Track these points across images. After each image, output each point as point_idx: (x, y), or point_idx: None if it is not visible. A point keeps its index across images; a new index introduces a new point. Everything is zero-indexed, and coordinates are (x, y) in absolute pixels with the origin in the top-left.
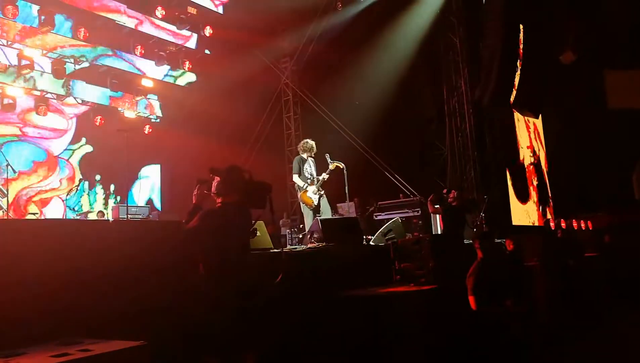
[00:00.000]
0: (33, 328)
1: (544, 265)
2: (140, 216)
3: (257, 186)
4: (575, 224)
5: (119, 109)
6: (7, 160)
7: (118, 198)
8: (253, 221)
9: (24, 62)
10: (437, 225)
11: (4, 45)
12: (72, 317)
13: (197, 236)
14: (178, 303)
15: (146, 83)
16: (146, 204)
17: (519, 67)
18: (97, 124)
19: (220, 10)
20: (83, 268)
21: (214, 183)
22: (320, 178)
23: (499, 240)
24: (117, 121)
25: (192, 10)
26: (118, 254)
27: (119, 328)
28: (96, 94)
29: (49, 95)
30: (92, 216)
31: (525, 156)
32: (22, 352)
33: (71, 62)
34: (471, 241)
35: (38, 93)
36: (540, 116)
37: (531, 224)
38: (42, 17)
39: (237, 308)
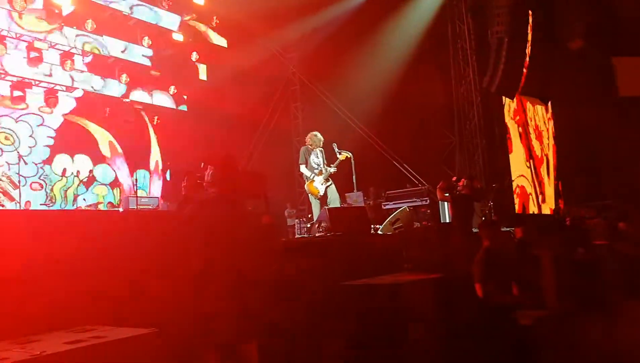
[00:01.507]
0: (47, 316)
1: (553, 253)
2: (150, 207)
3: (251, 176)
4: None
5: (127, 99)
6: (18, 152)
7: (128, 189)
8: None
9: (32, 54)
10: (446, 214)
11: (13, 37)
12: (85, 305)
13: (191, 226)
14: (184, 291)
15: (154, 73)
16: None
17: (528, 54)
18: (106, 115)
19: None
20: (95, 257)
21: (207, 173)
22: (329, 169)
23: (508, 229)
24: (125, 111)
25: (198, 0)
26: (129, 243)
27: (130, 316)
28: (104, 84)
29: (58, 87)
30: (102, 207)
31: (535, 145)
32: (38, 339)
33: (79, 54)
34: (477, 229)
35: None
36: (549, 103)
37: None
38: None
39: (237, 297)
